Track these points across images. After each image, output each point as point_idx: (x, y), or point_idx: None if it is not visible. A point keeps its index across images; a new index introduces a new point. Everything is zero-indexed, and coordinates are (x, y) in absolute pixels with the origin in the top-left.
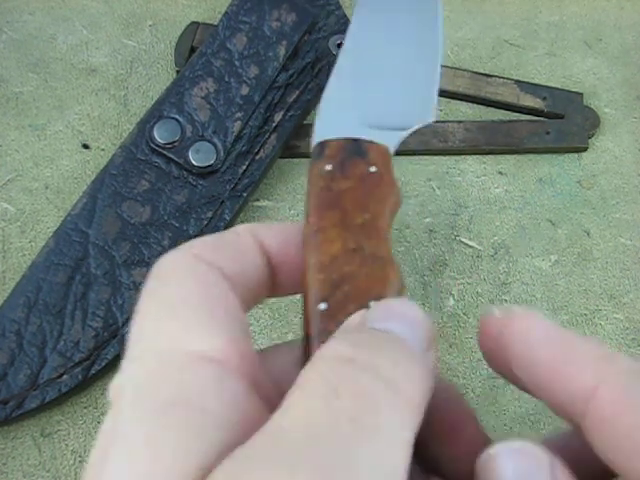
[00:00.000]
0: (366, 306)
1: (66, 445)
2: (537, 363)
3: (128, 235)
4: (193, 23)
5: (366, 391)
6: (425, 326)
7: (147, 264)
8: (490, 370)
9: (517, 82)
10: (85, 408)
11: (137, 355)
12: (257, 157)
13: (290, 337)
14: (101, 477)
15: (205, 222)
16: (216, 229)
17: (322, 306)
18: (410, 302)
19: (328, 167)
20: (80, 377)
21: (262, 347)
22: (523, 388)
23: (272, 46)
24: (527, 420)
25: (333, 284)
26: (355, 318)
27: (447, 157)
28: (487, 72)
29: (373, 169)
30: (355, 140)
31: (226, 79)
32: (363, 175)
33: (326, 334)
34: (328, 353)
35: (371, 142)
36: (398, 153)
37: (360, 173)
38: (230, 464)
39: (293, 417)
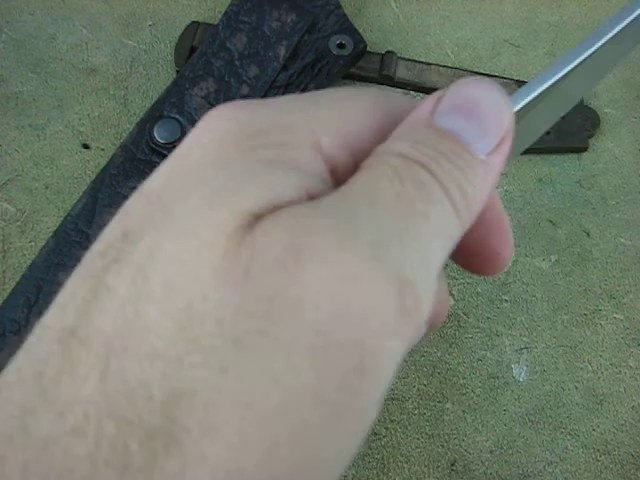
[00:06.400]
0: None
1: None
2: None
3: None
4: (193, 23)
5: (425, 185)
6: (496, 122)
7: None
8: (490, 370)
9: (517, 82)
10: None
11: None
12: None
13: None
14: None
15: None
16: None
17: None
18: (488, 85)
19: None
20: None
21: None
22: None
23: (272, 46)
24: (527, 420)
25: None
26: (423, 110)
27: None
28: (487, 72)
29: None
30: None
31: (226, 79)
32: None
33: None
34: (391, 148)
35: None
36: None
37: None
38: (290, 210)
39: (360, 185)
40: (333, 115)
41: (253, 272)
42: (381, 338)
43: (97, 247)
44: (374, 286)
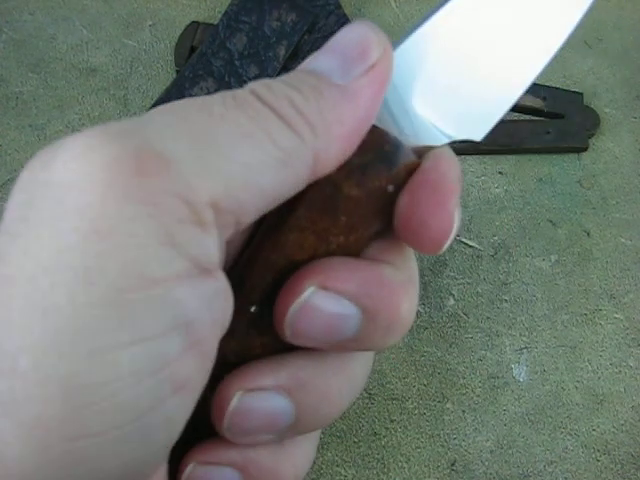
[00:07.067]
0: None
1: None
2: None
3: None
4: (193, 23)
5: (237, 99)
6: (358, 52)
7: None
8: (490, 370)
9: None
10: None
11: None
12: None
13: None
14: None
15: None
16: None
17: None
18: (354, 24)
19: (356, 160)
20: None
21: None
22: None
23: (272, 46)
24: (527, 420)
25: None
26: (303, 63)
27: None
28: None
29: (391, 189)
30: (398, 141)
31: (226, 79)
32: (376, 191)
33: None
34: (248, 86)
35: (409, 154)
36: None
37: (375, 187)
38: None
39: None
40: None
41: (28, 175)
42: (112, 201)
43: None
44: (108, 156)
